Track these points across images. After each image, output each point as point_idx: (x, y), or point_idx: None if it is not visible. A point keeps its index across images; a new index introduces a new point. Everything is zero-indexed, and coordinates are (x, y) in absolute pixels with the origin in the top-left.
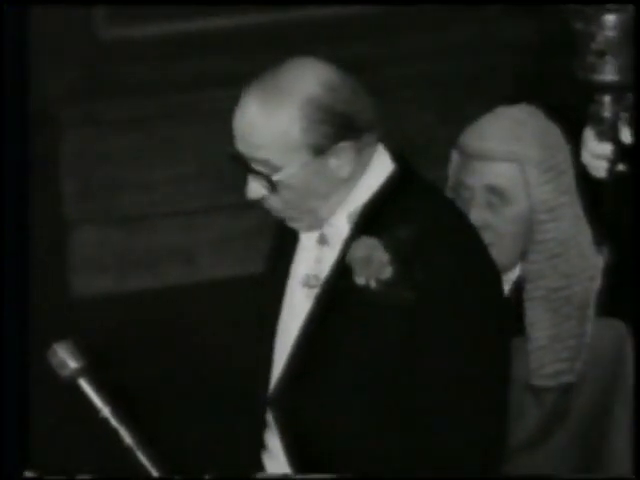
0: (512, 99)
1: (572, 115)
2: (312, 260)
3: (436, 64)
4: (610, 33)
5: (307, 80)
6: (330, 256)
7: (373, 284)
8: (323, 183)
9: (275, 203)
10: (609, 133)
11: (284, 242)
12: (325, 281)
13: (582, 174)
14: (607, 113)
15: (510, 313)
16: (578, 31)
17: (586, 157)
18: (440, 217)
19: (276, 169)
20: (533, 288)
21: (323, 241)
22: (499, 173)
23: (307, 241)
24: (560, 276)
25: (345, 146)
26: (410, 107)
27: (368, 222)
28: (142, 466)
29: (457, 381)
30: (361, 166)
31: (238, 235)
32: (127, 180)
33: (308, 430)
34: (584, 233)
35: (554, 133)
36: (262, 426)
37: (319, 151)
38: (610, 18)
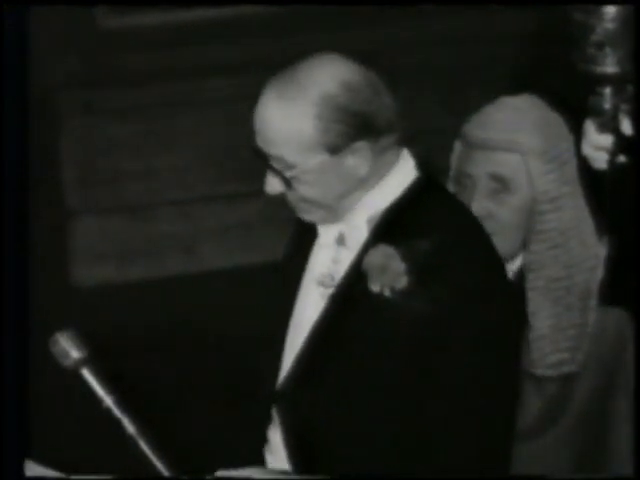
0: (513, 89)
1: (572, 107)
2: (329, 260)
3: (436, 53)
4: (609, 25)
5: (325, 78)
6: (347, 258)
7: (387, 292)
8: (340, 181)
9: (292, 198)
10: (610, 125)
11: (303, 236)
12: (340, 283)
13: (583, 165)
14: (607, 105)
15: (523, 324)
16: (578, 23)
17: (586, 149)
18: (459, 231)
19: (290, 166)
20: (535, 278)
21: (341, 242)
22: (502, 162)
23: (325, 239)
24: (561, 266)
25: (362, 146)
26: (411, 96)
27: (388, 229)
28: (145, 456)
29: (467, 393)
30: (382, 167)
31: (238, 224)
32: (127, 169)
33: (311, 428)
34: (586, 223)
35: (557, 123)
36: (266, 421)
37: (334, 150)
38: (609, 10)
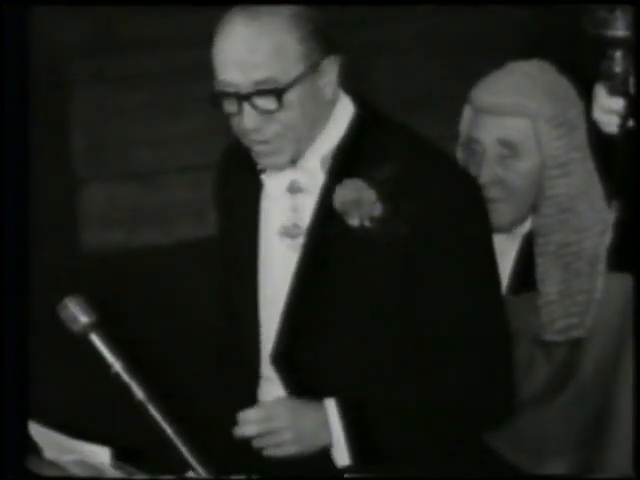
0: (523, 54)
1: (583, 71)
2: (287, 209)
3: (447, 20)
4: (623, 4)
5: (286, 5)
6: (307, 203)
7: (367, 223)
8: (314, 104)
9: (270, 130)
10: (620, 88)
11: (236, 195)
12: (310, 229)
13: (594, 130)
14: (618, 68)
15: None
16: None
17: (597, 112)
18: (416, 149)
19: (280, 84)
20: (544, 243)
21: (295, 189)
22: (511, 127)
23: (275, 191)
24: (571, 231)
25: (330, 62)
26: (421, 62)
27: (344, 164)
28: (154, 421)
29: (459, 306)
30: (334, 99)
31: None
32: (137, 136)
33: (315, 380)
34: (595, 188)
35: (566, 89)
36: (256, 381)
37: (313, 64)
38: None
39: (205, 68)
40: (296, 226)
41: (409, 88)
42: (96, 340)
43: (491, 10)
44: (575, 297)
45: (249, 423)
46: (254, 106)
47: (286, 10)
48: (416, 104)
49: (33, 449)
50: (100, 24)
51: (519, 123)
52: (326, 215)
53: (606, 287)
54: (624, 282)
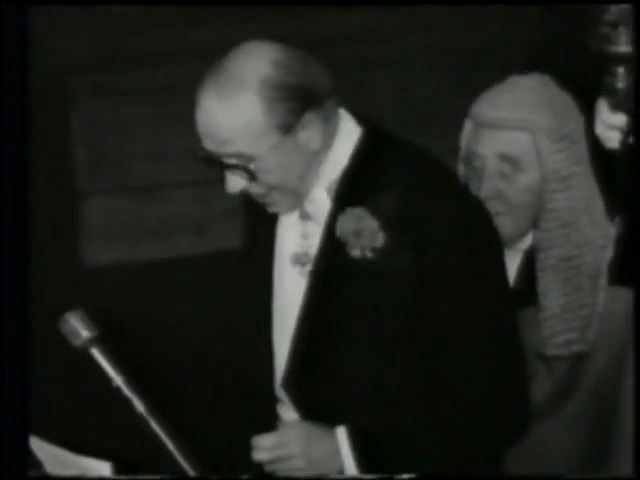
0: (525, 69)
1: (585, 86)
2: (298, 237)
3: (450, 34)
4: (623, 4)
5: (256, 64)
6: (316, 231)
7: (369, 254)
8: (298, 160)
9: (257, 190)
10: (623, 104)
11: (259, 219)
12: (317, 258)
13: (595, 145)
14: (621, 84)
15: (503, 257)
16: (592, 1)
17: (600, 128)
18: (420, 174)
19: (250, 158)
20: (545, 257)
21: (306, 216)
22: (511, 142)
23: (288, 218)
24: (572, 245)
25: (310, 117)
26: (421, 77)
27: (349, 192)
28: (155, 435)
29: (471, 328)
30: (329, 135)
31: None
32: (139, 150)
33: (326, 405)
34: (596, 203)
35: (567, 103)
36: (273, 402)
37: (287, 129)
38: None
39: None
40: (305, 253)
41: (409, 103)
42: (97, 354)
43: (492, 23)
44: (576, 311)
45: (262, 449)
46: (232, 172)
47: (254, 79)
48: (416, 119)
49: (34, 464)
50: (100, 38)
51: (520, 137)
52: (331, 244)
53: (607, 301)
54: (626, 296)
